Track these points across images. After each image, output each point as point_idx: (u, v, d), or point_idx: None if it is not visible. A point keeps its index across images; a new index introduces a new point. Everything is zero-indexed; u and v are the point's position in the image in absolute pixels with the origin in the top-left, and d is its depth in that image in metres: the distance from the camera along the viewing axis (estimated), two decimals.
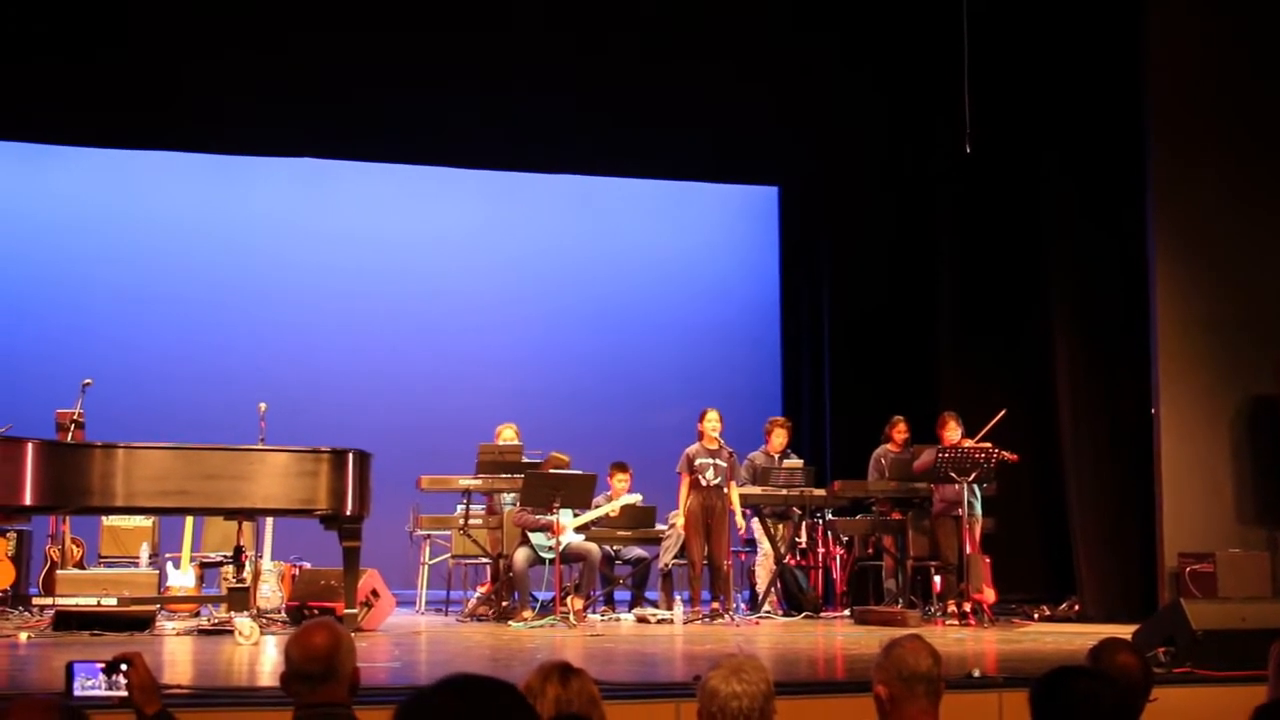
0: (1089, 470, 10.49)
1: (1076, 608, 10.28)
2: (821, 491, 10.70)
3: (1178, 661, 6.37)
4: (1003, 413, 10.01)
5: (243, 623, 7.84)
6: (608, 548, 10.49)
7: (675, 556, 10.48)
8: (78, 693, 3.57)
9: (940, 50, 10.73)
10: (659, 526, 10.69)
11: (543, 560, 9.64)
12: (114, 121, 11.71)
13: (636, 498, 10.29)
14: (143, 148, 12.40)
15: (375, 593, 9.04)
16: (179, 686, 5.44)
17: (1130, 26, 10.12)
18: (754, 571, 11.07)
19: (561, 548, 9.55)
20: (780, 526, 10.80)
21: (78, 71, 11.07)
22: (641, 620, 9.94)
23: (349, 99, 11.78)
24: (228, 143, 12.28)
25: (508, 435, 10.55)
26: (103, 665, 3.58)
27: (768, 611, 10.47)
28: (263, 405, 9.25)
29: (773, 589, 10.70)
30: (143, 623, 8.36)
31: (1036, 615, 10.26)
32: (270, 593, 9.61)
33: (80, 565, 9.92)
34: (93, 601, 8.30)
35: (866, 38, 12.05)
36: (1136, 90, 10.13)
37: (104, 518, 10.13)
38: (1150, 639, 6.56)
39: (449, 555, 10.87)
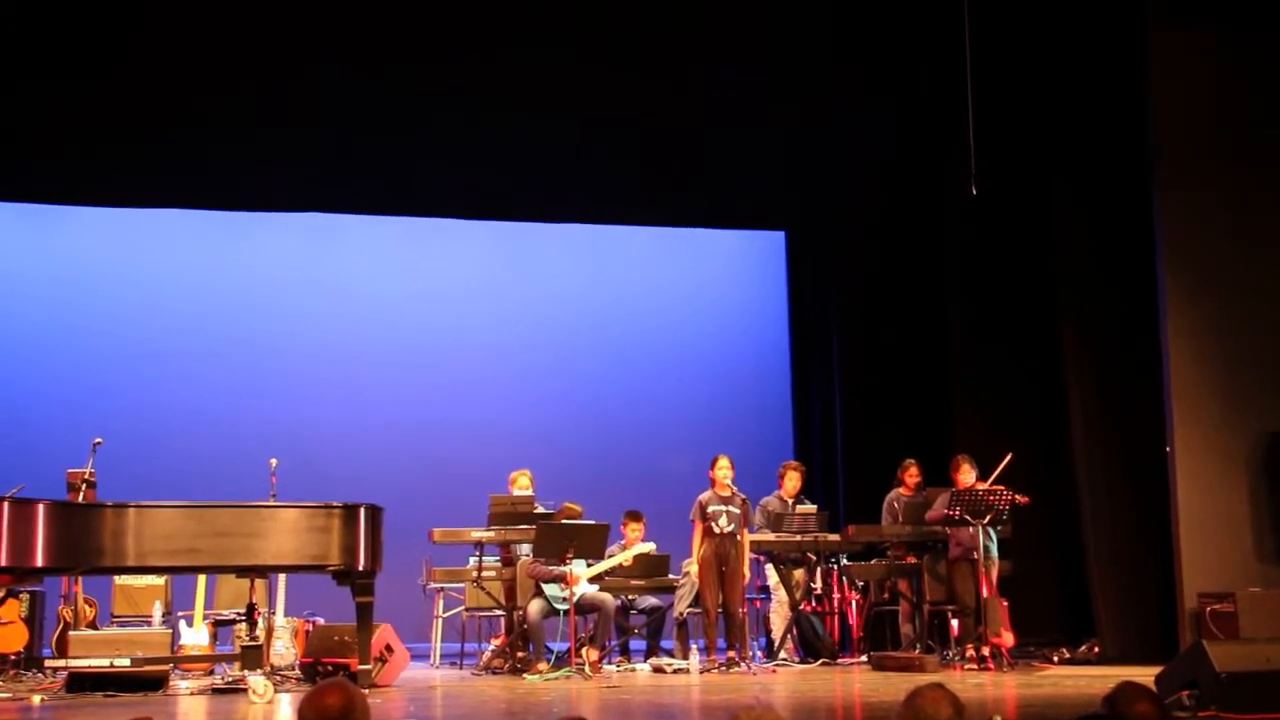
0: (1105, 510, 10.44)
1: (1096, 650, 10.21)
2: (835, 537, 10.65)
3: (1202, 705, 6.30)
4: (1009, 457, 9.97)
5: (256, 681, 7.79)
6: (622, 597, 10.43)
7: (690, 605, 10.42)
8: None
9: (945, 91, 10.75)
10: (672, 575, 10.63)
11: (557, 611, 9.59)
12: (120, 180, 11.78)
13: (650, 546, 10.24)
14: (150, 206, 12.45)
15: (389, 647, 8.98)
16: None
17: (1134, 65, 10.16)
18: (770, 618, 11.00)
19: (576, 598, 9.50)
20: (795, 573, 10.74)
21: (82, 132, 11.13)
22: (657, 670, 9.86)
23: (353, 153, 11.84)
24: (234, 199, 12.34)
25: (522, 482, 10.49)
26: None
27: (784, 659, 10.41)
28: (274, 461, 9.22)
29: (789, 636, 10.63)
30: (156, 683, 8.30)
31: (1056, 658, 10.17)
32: (284, 650, 9.57)
33: (93, 625, 9.89)
34: (106, 663, 8.25)
35: (871, 81, 12.07)
36: (1142, 128, 10.15)
37: (116, 577, 10.09)
38: (1173, 682, 6.49)
39: (462, 608, 10.82)
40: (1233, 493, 9.78)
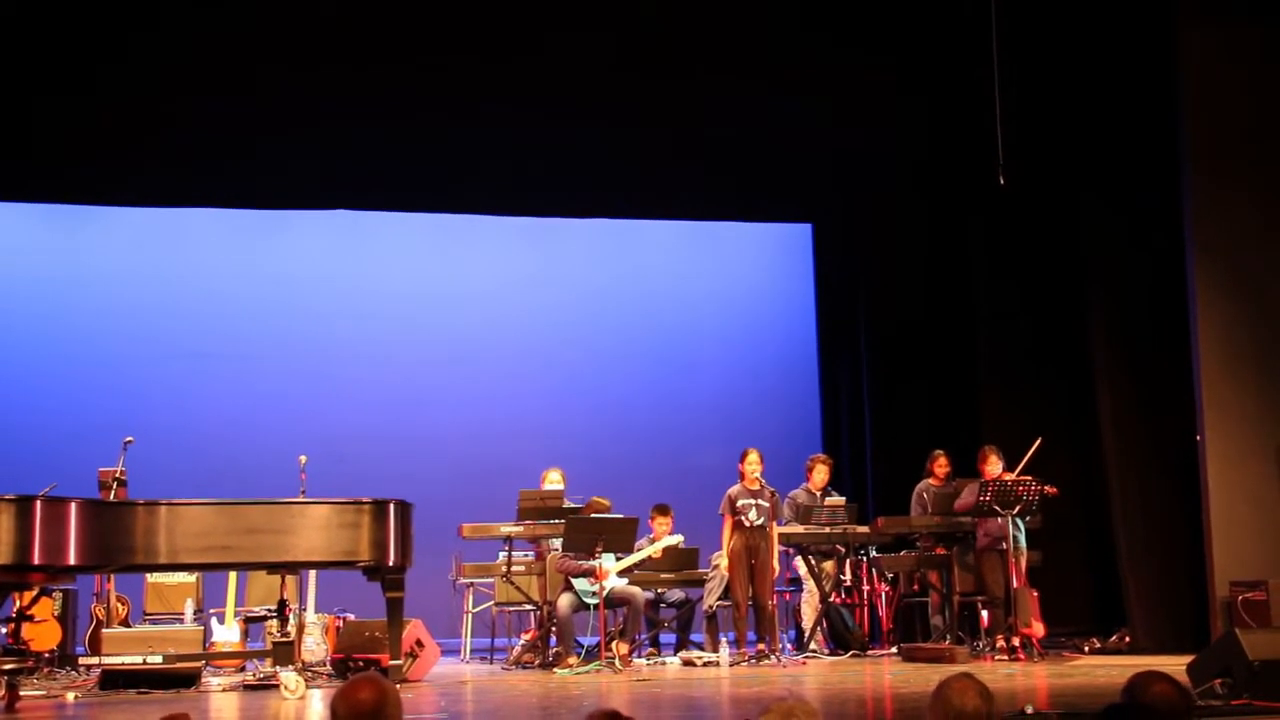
0: (1135, 499, 10.39)
1: (1127, 640, 10.17)
2: (864, 528, 10.64)
3: (1235, 693, 6.27)
4: (1039, 441, 9.94)
5: (288, 677, 7.83)
6: (651, 591, 10.44)
7: (719, 598, 10.42)
8: None
9: (973, 83, 10.71)
10: (702, 568, 10.64)
11: (587, 606, 9.61)
12: (149, 180, 11.80)
13: (677, 539, 10.25)
14: (178, 205, 12.48)
15: (420, 643, 9.01)
16: None
17: (1165, 60, 10.08)
18: (799, 610, 11.00)
19: (605, 592, 9.51)
20: (825, 565, 10.73)
21: (111, 132, 11.16)
22: (687, 663, 9.87)
23: (382, 150, 11.85)
24: (263, 197, 12.36)
25: (554, 479, 10.52)
26: None
27: (814, 651, 10.41)
28: (303, 458, 9.24)
29: (818, 628, 10.63)
30: (188, 680, 8.36)
31: (1086, 648, 10.15)
32: (315, 646, 9.60)
33: (125, 623, 9.95)
34: (139, 660, 8.30)
35: (897, 73, 12.01)
36: (1173, 121, 10.08)
37: (148, 575, 10.15)
38: (1206, 671, 6.47)
39: (492, 603, 10.85)
40: (1263, 480, 9.71)
